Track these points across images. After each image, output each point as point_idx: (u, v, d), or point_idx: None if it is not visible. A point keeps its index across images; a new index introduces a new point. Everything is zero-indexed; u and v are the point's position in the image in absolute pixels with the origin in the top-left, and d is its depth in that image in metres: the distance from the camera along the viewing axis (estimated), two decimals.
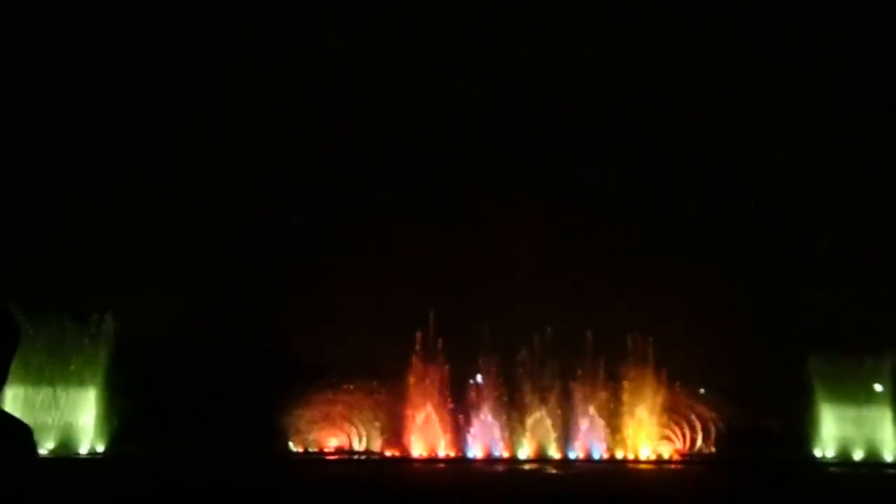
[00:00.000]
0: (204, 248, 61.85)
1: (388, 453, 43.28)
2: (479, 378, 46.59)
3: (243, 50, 66.97)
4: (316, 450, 43.52)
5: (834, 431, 45.96)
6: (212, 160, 65.19)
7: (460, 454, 43.65)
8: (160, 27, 62.94)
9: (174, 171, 64.32)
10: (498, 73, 70.18)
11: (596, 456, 44.19)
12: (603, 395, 45.20)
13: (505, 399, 44.61)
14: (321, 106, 65.55)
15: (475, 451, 43.82)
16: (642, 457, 44.50)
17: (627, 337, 45.74)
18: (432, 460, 42.33)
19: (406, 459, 42.18)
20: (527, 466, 41.24)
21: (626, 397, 45.45)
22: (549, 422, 44.60)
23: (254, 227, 66.65)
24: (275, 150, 66.97)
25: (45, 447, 36.43)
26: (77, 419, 39.06)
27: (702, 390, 48.14)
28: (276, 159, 67.29)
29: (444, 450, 43.63)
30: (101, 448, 39.33)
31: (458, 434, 44.09)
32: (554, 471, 39.30)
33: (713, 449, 45.98)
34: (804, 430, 46.04)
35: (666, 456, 45.03)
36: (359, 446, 44.20)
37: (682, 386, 46.55)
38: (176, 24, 63.81)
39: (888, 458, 44.83)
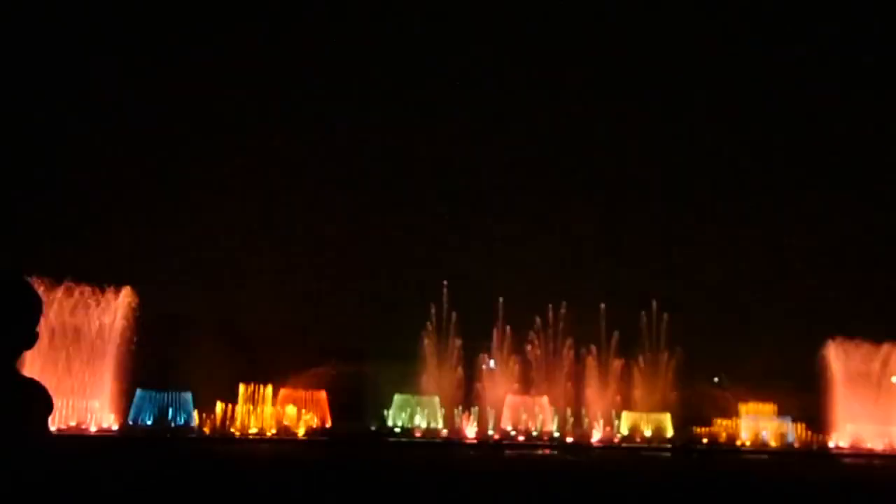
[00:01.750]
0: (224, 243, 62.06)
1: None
2: (492, 363, 46.82)
3: (244, 50, 67.83)
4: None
5: (849, 422, 45.80)
6: (227, 168, 65.40)
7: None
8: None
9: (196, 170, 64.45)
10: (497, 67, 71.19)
11: (594, 439, 44.68)
12: (617, 387, 45.69)
13: (516, 384, 44.89)
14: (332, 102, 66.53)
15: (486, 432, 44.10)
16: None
17: (642, 314, 46.17)
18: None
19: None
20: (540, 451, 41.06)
21: (638, 392, 45.87)
22: (561, 406, 45.00)
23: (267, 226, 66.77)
24: (280, 151, 67.40)
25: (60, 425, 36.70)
26: (89, 396, 39.32)
27: (715, 379, 48.13)
28: (280, 160, 67.56)
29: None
30: (115, 427, 39.64)
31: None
32: (570, 457, 39.00)
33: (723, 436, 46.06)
34: (819, 420, 45.99)
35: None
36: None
37: (699, 377, 46.80)
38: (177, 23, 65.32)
39: None
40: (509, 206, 68.30)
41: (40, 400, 3.56)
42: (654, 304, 47.17)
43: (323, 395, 45.40)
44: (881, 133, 66.24)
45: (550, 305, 46.90)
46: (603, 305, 46.99)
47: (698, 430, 46.60)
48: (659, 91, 70.27)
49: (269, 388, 42.95)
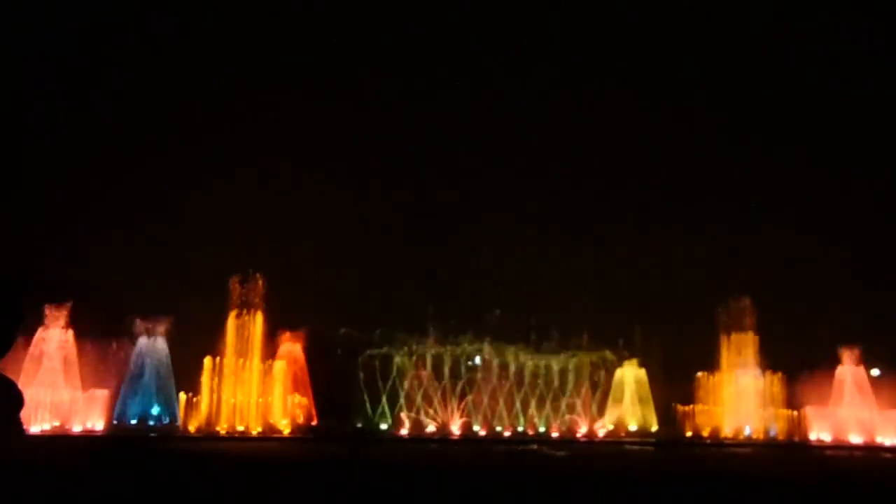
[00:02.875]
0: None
1: None
2: (477, 360, 47.11)
3: (243, 53, 67.73)
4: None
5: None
6: (213, 163, 64.96)
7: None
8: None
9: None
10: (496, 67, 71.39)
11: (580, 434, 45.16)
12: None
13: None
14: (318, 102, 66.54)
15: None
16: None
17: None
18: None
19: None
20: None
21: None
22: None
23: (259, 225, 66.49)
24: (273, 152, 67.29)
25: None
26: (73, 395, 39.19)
27: (698, 374, 48.44)
28: (273, 160, 67.45)
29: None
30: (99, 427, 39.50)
31: None
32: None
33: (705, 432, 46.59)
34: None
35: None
36: None
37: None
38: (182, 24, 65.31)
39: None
40: (501, 208, 68.35)
41: (10, 396, 3.63)
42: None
43: (308, 390, 45.38)
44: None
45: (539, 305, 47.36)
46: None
47: (682, 408, 47.02)
48: (655, 99, 70.26)
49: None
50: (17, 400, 3.78)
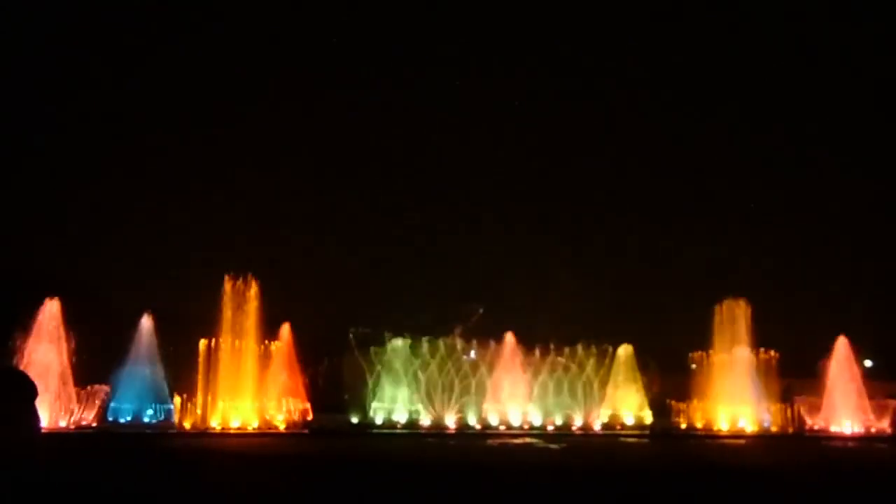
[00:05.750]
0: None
1: None
2: (472, 354, 47.30)
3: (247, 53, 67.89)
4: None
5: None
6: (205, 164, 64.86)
7: None
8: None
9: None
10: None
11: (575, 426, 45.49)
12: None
13: None
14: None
15: None
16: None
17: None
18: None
19: None
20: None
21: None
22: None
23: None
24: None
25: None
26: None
27: (693, 365, 48.66)
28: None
29: None
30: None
31: None
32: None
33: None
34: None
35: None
36: None
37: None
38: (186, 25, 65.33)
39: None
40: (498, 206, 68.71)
41: (24, 387, 3.70)
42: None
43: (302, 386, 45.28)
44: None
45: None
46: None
47: (676, 404, 47.14)
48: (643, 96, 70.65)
49: None
50: (30, 391, 3.79)
